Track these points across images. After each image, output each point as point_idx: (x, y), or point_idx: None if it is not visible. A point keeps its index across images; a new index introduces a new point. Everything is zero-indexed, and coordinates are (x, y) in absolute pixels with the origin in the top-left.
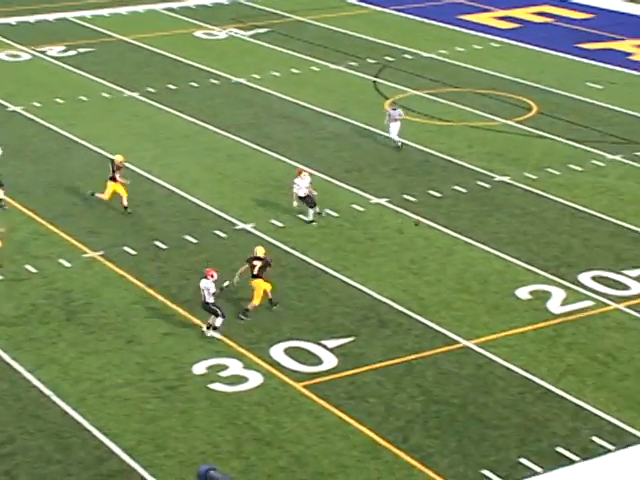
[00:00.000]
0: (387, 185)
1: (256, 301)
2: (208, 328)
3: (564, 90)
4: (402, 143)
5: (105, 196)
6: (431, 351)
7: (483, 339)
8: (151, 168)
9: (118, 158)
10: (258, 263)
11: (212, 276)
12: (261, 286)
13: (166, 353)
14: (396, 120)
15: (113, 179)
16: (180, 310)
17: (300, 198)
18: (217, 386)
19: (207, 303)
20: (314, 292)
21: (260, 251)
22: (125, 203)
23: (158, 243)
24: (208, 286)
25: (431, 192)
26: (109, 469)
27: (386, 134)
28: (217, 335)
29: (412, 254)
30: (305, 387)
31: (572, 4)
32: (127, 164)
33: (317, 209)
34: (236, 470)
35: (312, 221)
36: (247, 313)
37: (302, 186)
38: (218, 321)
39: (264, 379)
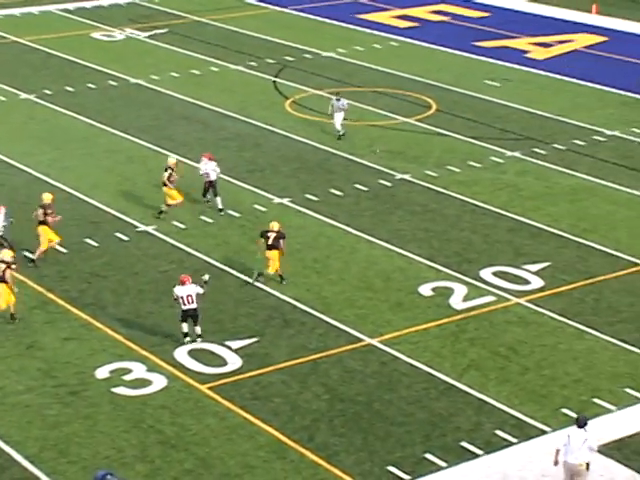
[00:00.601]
0: (289, 185)
1: (271, 269)
2: (199, 336)
3: (462, 88)
4: (344, 133)
5: (179, 200)
6: (335, 350)
7: (387, 336)
8: (49, 171)
9: (171, 160)
10: (272, 234)
11: (188, 280)
12: (276, 256)
13: (68, 358)
14: (340, 110)
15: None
16: (82, 314)
17: (208, 186)
18: (121, 390)
19: (195, 309)
20: (218, 293)
21: (275, 226)
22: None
23: (58, 247)
24: (195, 290)
25: (333, 191)
26: (11, 477)
27: (285, 133)
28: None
29: (315, 253)
30: (210, 389)
31: (468, 3)
32: (24, 167)
33: (219, 203)
34: (141, 474)
35: (221, 210)
36: (260, 278)
37: (204, 170)
38: (198, 329)
39: (168, 382)
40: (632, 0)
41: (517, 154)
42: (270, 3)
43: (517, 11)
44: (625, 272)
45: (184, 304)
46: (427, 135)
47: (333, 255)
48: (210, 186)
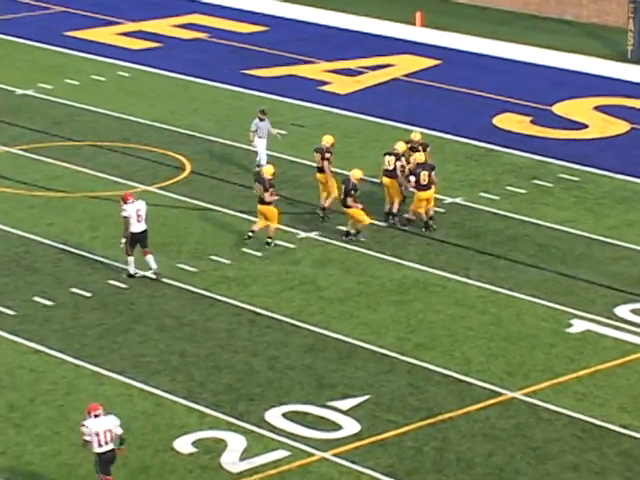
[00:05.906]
0: None
1: (365, 222)
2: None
3: (229, 138)
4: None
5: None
6: None
7: None
8: None
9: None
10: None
11: None
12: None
13: None
14: (264, 135)
15: None
16: None
17: None
18: None
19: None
20: None
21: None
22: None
23: None
24: None
25: (37, 299)
26: None
27: None
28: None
29: (13, 396)
30: None
31: (235, 11)
32: None
33: None
34: None
35: None
36: (361, 235)
37: None
38: None
39: None
40: (470, 5)
41: (313, 235)
42: None
43: (310, 23)
44: (478, 406)
45: None
46: (180, 210)
47: (40, 398)
48: None
